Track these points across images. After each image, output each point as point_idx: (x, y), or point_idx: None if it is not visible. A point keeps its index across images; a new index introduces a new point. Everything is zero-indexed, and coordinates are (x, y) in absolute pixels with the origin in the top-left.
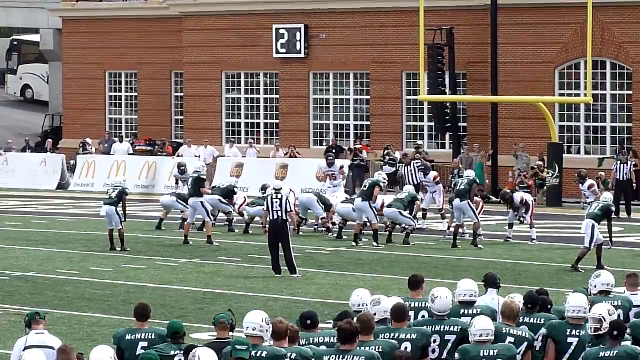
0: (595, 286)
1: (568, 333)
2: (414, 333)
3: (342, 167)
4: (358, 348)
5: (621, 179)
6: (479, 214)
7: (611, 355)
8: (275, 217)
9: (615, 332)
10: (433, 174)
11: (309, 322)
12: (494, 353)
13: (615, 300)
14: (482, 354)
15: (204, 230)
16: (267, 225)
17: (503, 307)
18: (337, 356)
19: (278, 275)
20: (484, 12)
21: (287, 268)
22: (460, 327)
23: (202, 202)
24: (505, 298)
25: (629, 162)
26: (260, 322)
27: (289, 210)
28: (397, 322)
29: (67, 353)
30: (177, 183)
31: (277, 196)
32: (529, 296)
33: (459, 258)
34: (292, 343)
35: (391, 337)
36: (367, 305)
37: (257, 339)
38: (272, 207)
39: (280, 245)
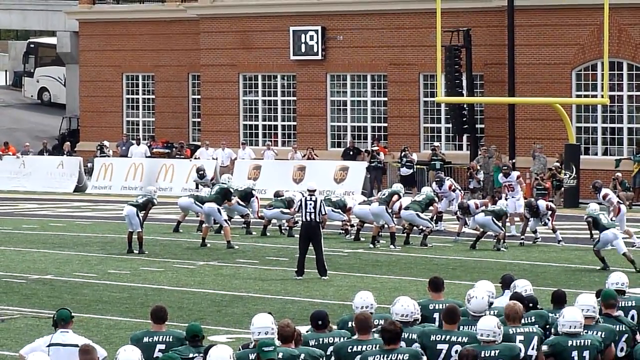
0: (608, 287)
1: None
2: (465, 336)
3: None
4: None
5: None
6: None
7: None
8: (309, 219)
9: None
10: (447, 183)
11: (319, 322)
12: (495, 353)
13: (629, 300)
14: (483, 355)
15: (222, 233)
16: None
17: (506, 310)
18: (382, 355)
19: (299, 277)
20: (501, 13)
21: (317, 269)
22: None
23: (218, 208)
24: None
25: None
26: (271, 325)
27: (323, 213)
28: (448, 324)
29: (89, 353)
30: (197, 187)
31: (310, 198)
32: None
33: (476, 259)
34: (297, 345)
35: (442, 339)
36: (370, 306)
37: None
38: (306, 208)
39: (310, 247)
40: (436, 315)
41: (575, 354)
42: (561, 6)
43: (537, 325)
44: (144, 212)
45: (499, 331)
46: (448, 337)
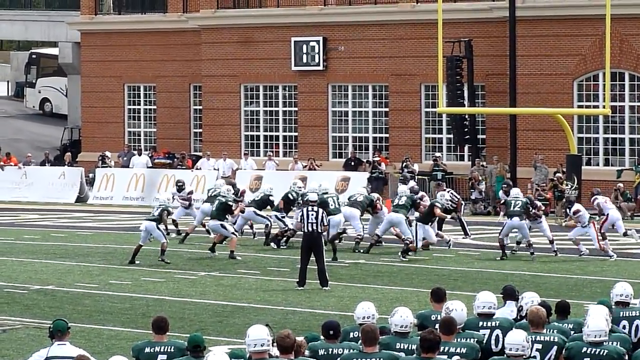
0: (612, 298)
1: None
2: (463, 347)
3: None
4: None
5: None
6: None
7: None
8: (310, 229)
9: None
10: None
11: (331, 332)
12: None
13: (633, 310)
14: None
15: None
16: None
17: (530, 315)
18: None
19: (300, 288)
20: (502, 24)
21: (318, 280)
22: (475, 340)
23: (222, 225)
24: (531, 306)
25: None
26: (267, 337)
27: (325, 223)
28: (445, 335)
29: None
30: (172, 199)
31: (312, 208)
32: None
33: (477, 270)
34: (297, 356)
35: (441, 351)
36: (372, 317)
37: (264, 354)
38: (308, 219)
39: (312, 257)
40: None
41: None
42: (562, 17)
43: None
44: (161, 223)
45: (528, 345)
46: (446, 348)
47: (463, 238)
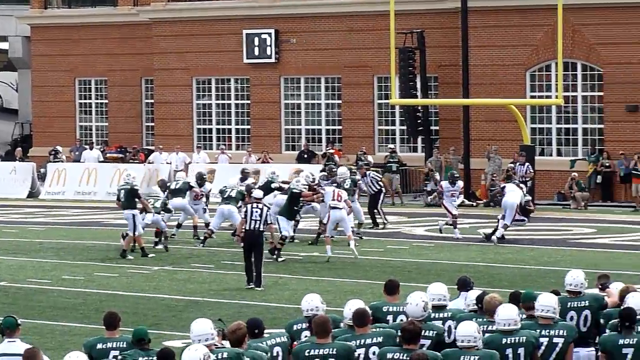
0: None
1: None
2: (379, 336)
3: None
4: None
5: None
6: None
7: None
8: (253, 227)
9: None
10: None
11: (256, 330)
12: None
13: (582, 300)
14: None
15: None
16: (241, 234)
17: (485, 304)
18: (401, 353)
19: (252, 285)
20: (455, 14)
21: (254, 279)
22: (435, 332)
23: (133, 215)
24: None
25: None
26: (210, 331)
27: (268, 222)
28: (359, 328)
29: (34, 357)
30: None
31: (257, 206)
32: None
33: (432, 262)
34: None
35: (358, 344)
36: (316, 309)
37: (209, 347)
38: (251, 216)
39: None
40: (390, 317)
41: (510, 351)
42: (515, 7)
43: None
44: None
45: (479, 336)
46: (362, 340)
47: (370, 228)
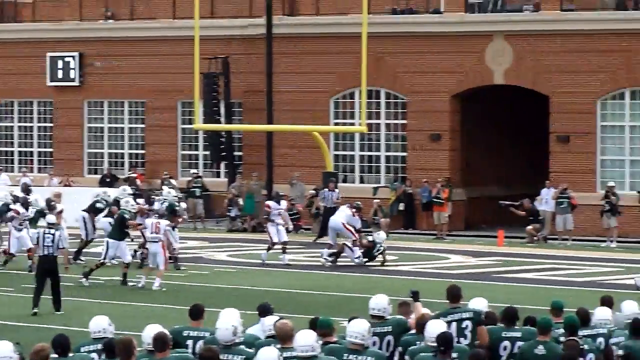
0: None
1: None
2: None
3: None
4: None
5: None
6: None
7: None
8: (46, 252)
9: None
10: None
11: (59, 350)
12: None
13: (385, 326)
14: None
15: None
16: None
17: (277, 331)
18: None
19: (36, 309)
20: (260, 41)
21: (52, 303)
22: (244, 357)
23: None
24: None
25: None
26: (11, 354)
27: (60, 246)
28: (159, 352)
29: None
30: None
31: (49, 231)
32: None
33: (234, 287)
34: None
35: None
36: (103, 331)
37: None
38: (44, 242)
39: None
40: (189, 342)
41: None
42: (320, 34)
43: None
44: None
45: (369, 336)
46: None
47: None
